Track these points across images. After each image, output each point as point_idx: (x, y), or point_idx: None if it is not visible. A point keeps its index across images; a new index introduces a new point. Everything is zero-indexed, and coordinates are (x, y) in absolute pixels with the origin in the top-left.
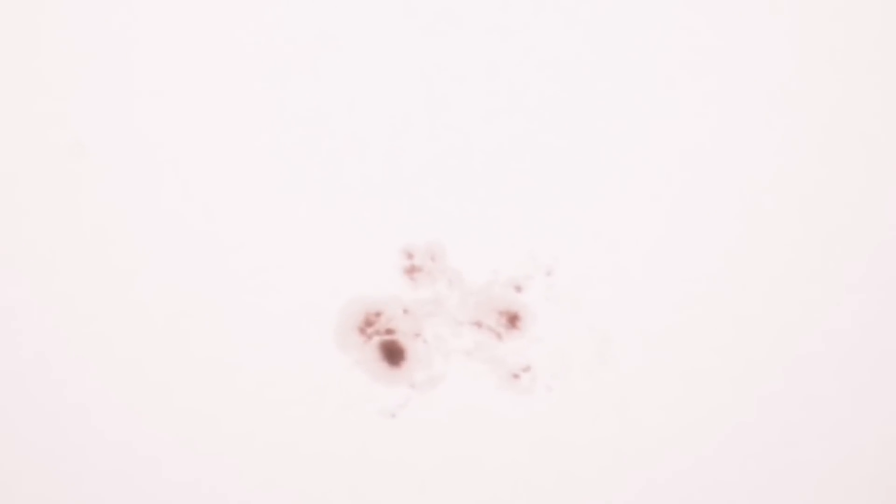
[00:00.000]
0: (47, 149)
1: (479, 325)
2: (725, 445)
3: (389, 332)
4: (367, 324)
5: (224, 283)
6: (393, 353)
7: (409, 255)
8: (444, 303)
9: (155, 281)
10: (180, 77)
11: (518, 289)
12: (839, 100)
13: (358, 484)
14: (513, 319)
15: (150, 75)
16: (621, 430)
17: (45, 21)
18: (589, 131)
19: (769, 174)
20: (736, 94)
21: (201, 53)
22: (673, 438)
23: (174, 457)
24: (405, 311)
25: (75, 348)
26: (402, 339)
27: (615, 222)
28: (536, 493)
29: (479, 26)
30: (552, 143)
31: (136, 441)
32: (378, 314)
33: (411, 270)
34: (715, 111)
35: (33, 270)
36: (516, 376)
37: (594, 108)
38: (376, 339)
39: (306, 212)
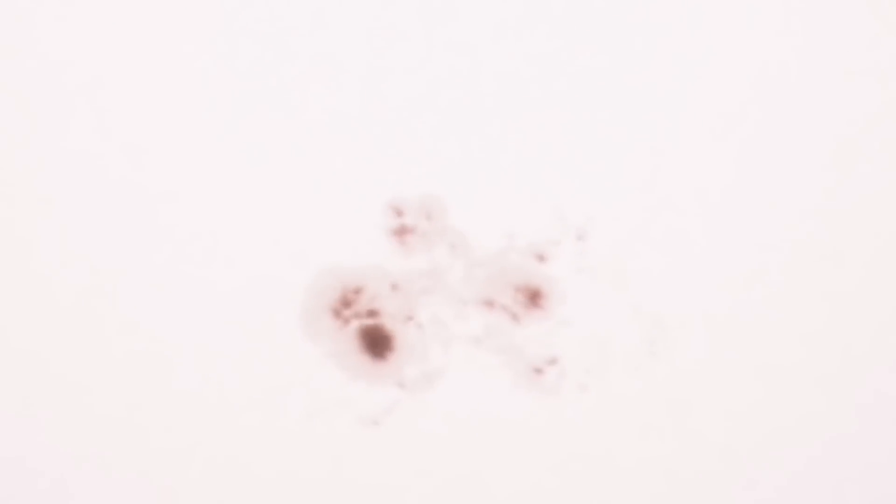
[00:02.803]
0: None
1: (489, 304)
2: (815, 464)
3: (372, 314)
4: (344, 304)
5: (154, 251)
6: (377, 342)
7: (398, 213)
8: (443, 275)
9: (59, 247)
10: None
11: (541, 258)
12: None
13: None
14: (534, 297)
15: None
16: (676, 444)
17: None
18: (634, 48)
19: (873, 105)
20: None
21: None
22: (745, 455)
23: (86, 479)
24: (393, 287)
25: None
26: (388, 323)
27: (668, 171)
28: None
29: None
30: (586, 65)
31: (36, 458)
32: (358, 291)
33: (401, 232)
34: (799, 25)
35: None
36: (539, 371)
37: (641, 15)
38: (355, 324)
39: (263, 156)
